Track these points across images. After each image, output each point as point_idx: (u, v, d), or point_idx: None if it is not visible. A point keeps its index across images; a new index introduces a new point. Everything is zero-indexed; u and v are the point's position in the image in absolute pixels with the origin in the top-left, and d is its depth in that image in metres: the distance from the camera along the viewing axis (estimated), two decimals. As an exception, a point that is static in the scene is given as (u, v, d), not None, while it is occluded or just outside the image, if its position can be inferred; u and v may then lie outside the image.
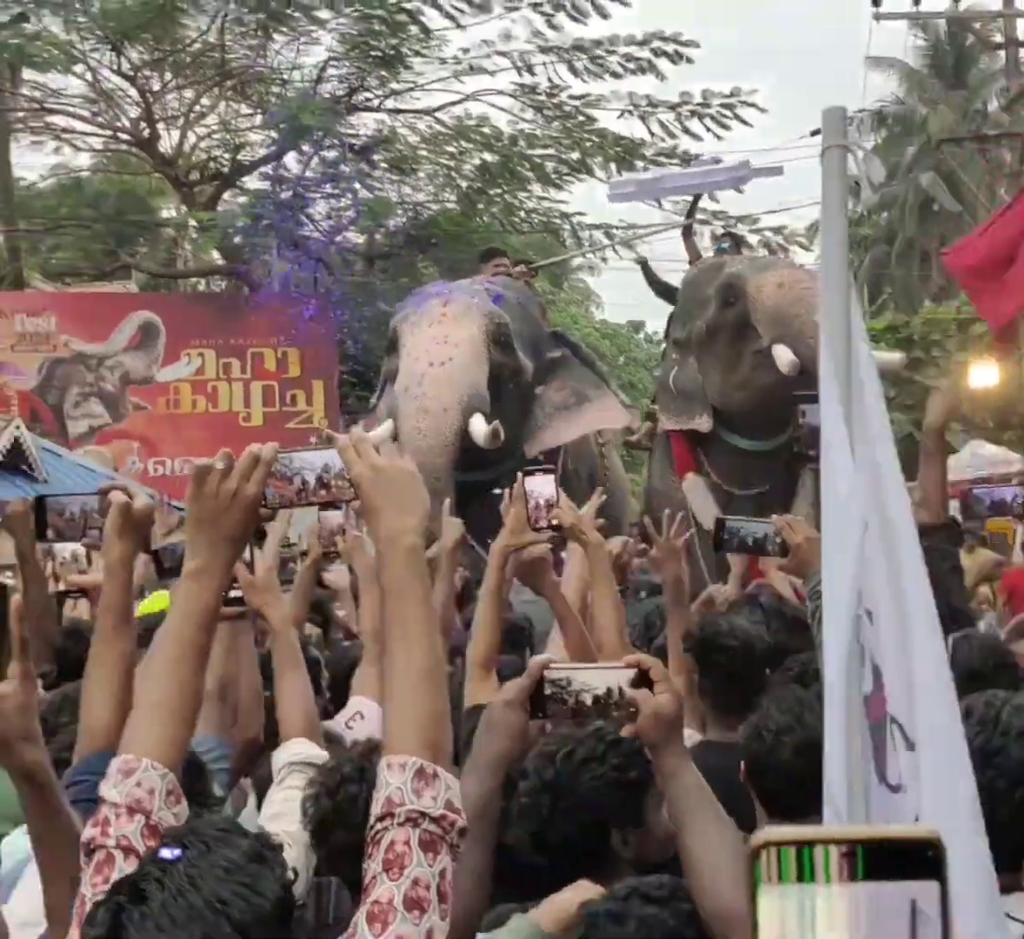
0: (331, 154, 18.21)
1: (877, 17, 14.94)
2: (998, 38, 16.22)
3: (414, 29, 17.07)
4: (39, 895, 1.87)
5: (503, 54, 18.06)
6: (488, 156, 18.83)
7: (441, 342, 7.99)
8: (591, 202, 19.67)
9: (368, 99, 18.46)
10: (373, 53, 17.81)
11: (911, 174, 33.60)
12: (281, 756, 2.60)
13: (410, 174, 19.01)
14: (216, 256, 22.29)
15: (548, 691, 1.99)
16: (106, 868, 1.58)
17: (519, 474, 3.23)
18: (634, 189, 10.78)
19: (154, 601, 5.64)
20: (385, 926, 1.48)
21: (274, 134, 18.05)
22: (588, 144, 17.61)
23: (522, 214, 20.11)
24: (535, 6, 17.56)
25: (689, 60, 16.82)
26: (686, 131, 16.91)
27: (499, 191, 19.35)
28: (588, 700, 1.98)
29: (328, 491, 1.89)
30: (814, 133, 17.85)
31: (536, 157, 17.91)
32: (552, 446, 8.55)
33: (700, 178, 10.56)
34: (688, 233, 10.63)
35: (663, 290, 9.86)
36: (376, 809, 1.58)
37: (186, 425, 18.02)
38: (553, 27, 17.66)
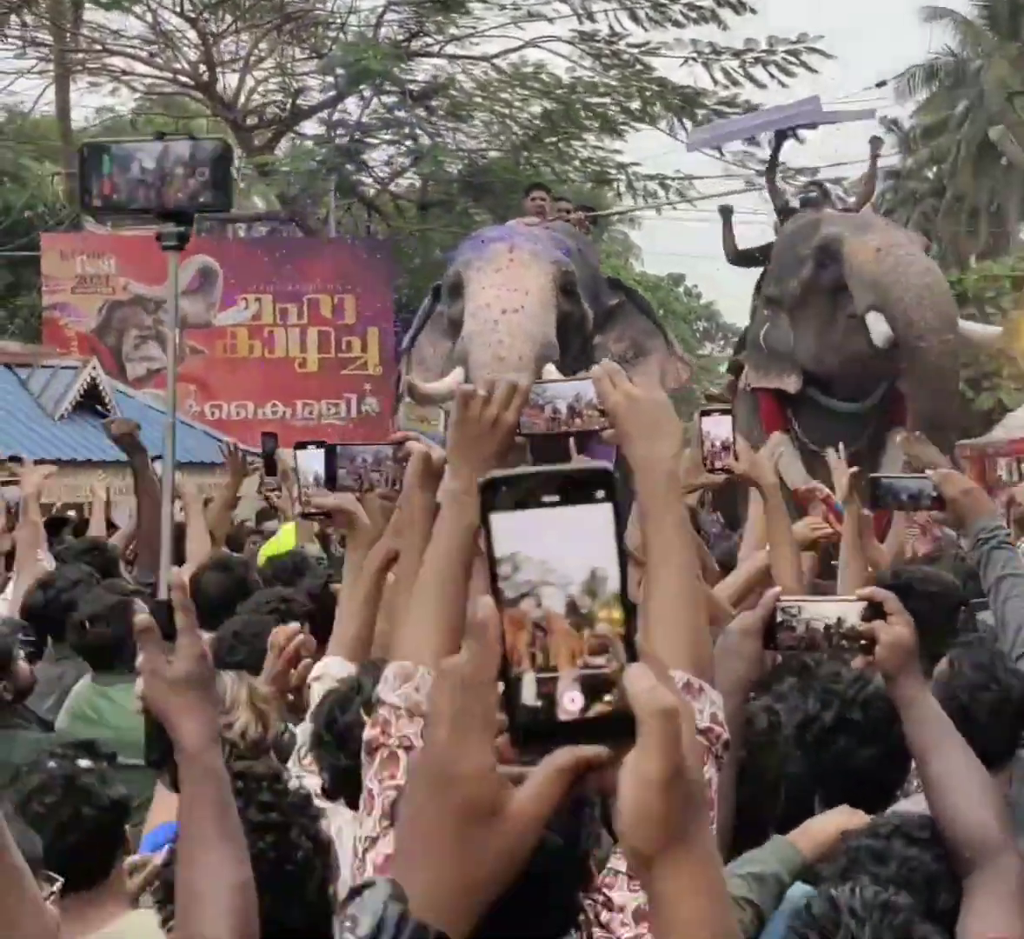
0: (390, 100, 18.25)
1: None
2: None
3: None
4: None
5: (563, 0, 17.97)
6: (546, 104, 18.77)
7: (512, 289, 7.86)
8: (645, 152, 19.62)
9: (427, 45, 18.40)
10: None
11: (963, 127, 33.21)
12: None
13: (467, 121, 18.96)
14: (258, 202, 22.41)
15: (779, 619, 2.13)
16: (391, 765, 1.67)
17: (695, 414, 3.18)
18: (710, 135, 10.71)
19: (282, 539, 5.84)
20: None
21: (333, 79, 18.07)
22: (648, 93, 17.50)
23: (577, 163, 20.05)
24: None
25: (753, 10, 16.68)
26: (750, 79, 16.77)
27: (554, 139, 19.29)
28: (819, 628, 2.10)
29: (579, 420, 1.93)
30: (880, 84, 17.74)
31: (597, 105, 17.81)
32: None
33: (778, 114, 10.38)
34: (772, 180, 10.55)
35: (738, 256, 9.85)
36: None
37: (242, 370, 18.18)
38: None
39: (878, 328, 7.54)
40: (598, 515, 0.82)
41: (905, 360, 7.50)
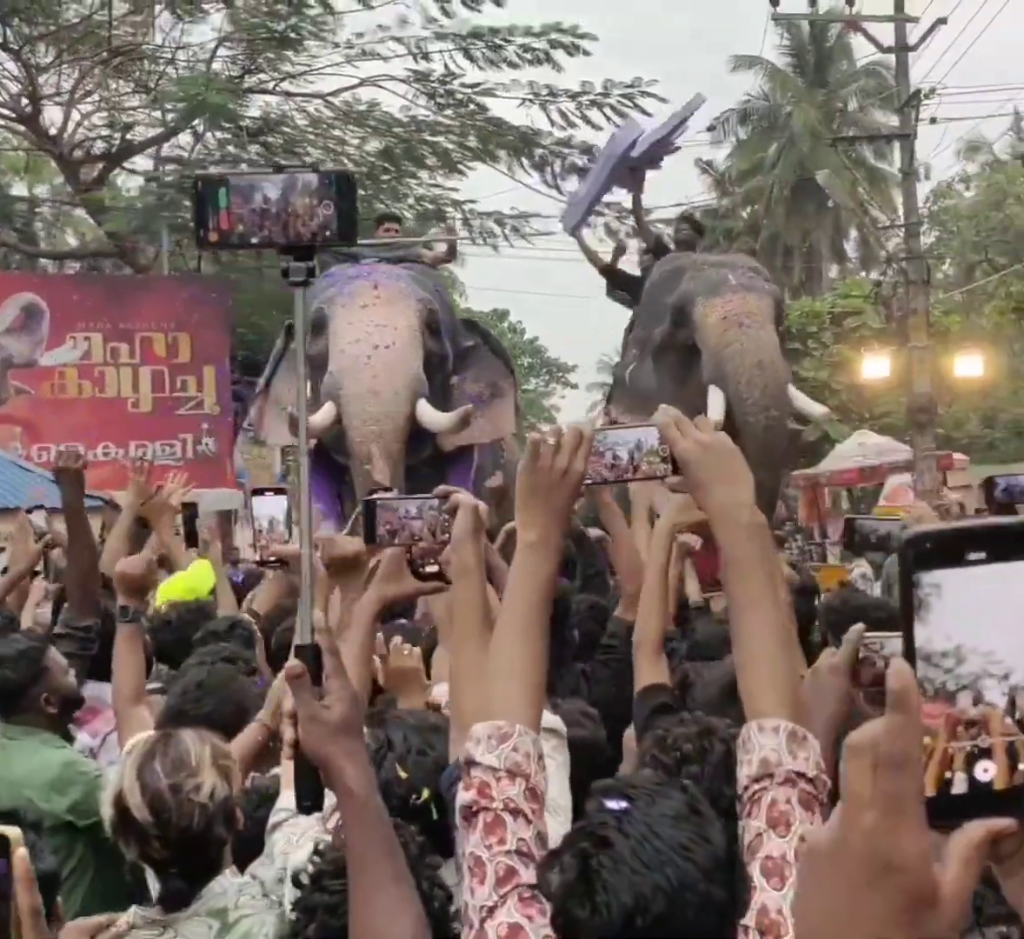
0: (223, 135, 18.01)
1: (776, 18, 15.36)
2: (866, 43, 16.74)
3: (311, 11, 16.88)
4: None
5: (398, 40, 18.04)
6: (385, 141, 18.78)
7: (380, 325, 7.84)
8: (481, 191, 19.81)
9: (261, 81, 18.23)
10: (265, 34, 17.60)
11: (775, 169, 34.53)
12: None
13: (302, 157, 18.80)
14: (70, 238, 21.72)
15: (862, 655, 2.17)
16: (498, 829, 1.64)
17: None
18: (583, 209, 10.75)
19: (173, 584, 5.59)
20: (783, 880, 1.56)
21: (162, 113, 17.73)
22: (485, 132, 17.70)
23: (411, 201, 20.09)
24: (430, -8, 17.57)
25: (586, 53, 17.04)
26: (586, 120, 17.11)
27: (388, 177, 19.31)
28: None
29: (642, 467, 1.90)
30: (710, 129, 18.31)
31: (435, 143, 17.91)
32: (465, 443, 8.50)
33: (614, 151, 10.31)
34: (640, 217, 10.68)
35: (613, 275, 9.94)
36: (751, 770, 1.65)
37: (72, 410, 17.57)
38: (447, 14, 17.69)
39: (714, 405, 7.72)
40: None
41: (734, 434, 7.67)
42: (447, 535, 2.34)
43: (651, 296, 8.91)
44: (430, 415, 7.76)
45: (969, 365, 18.80)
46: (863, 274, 34.23)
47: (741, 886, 1.56)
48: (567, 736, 2.56)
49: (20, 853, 1.37)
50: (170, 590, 5.28)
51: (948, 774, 0.77)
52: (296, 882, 2.08)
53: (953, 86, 25.08)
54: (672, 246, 9.80)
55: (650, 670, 3.10)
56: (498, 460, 9.49)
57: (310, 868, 2.04)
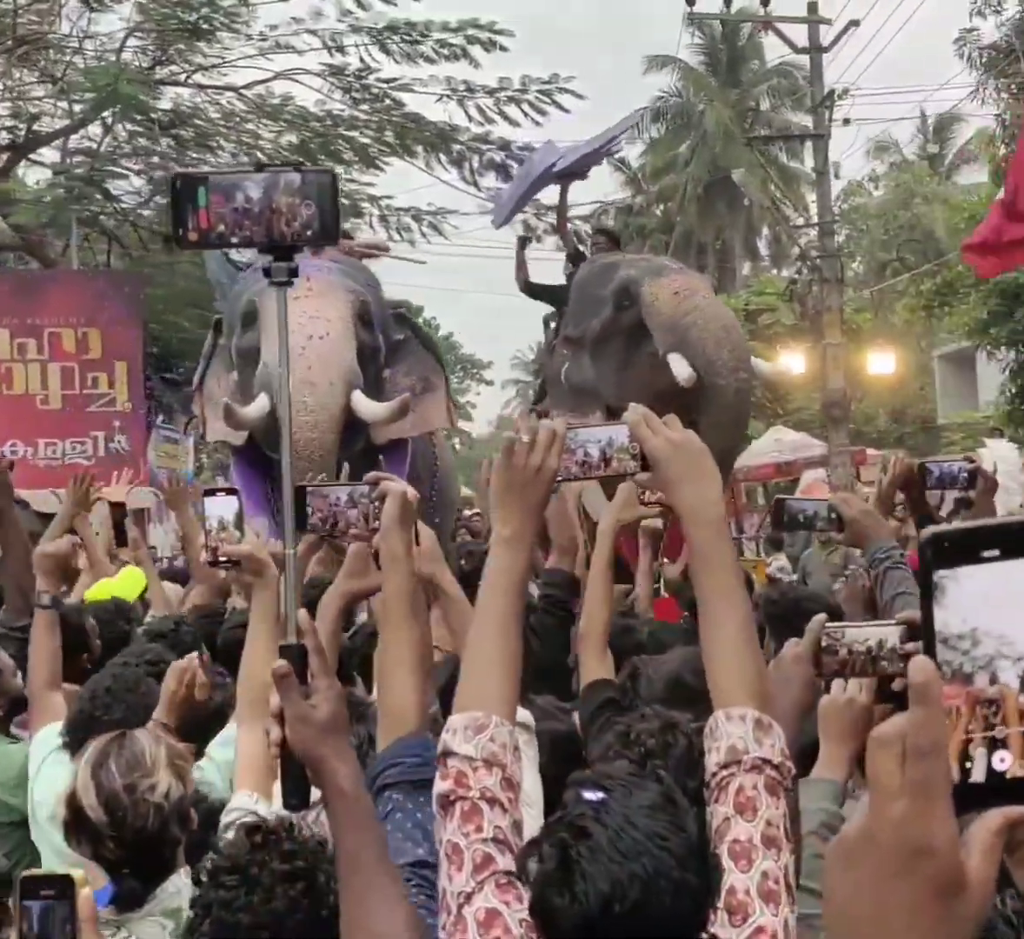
0: (134, 128, 17.66)
1: (691, 17, 15.45)
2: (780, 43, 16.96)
3: (224, 2, 16.60)
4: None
5: (312, 33, 17.83)
6: (301, 135, 18.56)
7: (313, 316, 7.74)
8: (398, 185, 19.68)
9: (173, 72, 17.91)
10: (176, 25, 17.29)
11: (689, 167, 34.82)
12: None
13: (215, 151, 18.53)
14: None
15: (824, 644, 2.21)
16: (475, 817, 1.67)
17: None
18: (511, 204, 10.73)
19: (99, 588, 5.46)
20: (750, 863, 1.64)
21: (69, 105, 17.34)
22: (402, 128, 17.57)
23: (326, 196, 19.89)
24: (344, -16, 17.37)
25: (503, 48, 16.97)
26: (504, 116, 17.04)
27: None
28: (862, 651, 2.19)
29: (611, 464, 1.94)
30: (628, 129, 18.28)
31: (354, 137, 17.74)
32: (397, 436, 8.48)
33: (538, 175, 10.40)
34: (563, 225, 10.70)
35: (527, 286, 9.94)
36: (718, 757, 1.72)
37: (-24, 408, 17.14)
38: (362, 6, 17.52)
39: (681, 369, 7.73)
40: None
41: (704, 397, 7.70)
42: (379, 522, 2.34)
43: (582, 293, 8.94)
44: (366, 406, 7.71)
45: (882, 362, 19.09)
46: (775, 272, 34.65)
47: (715, 874, 1.62)
48: (541, 729, 2.55)
49: (85, 893, 1.41)
50: (96, 595, 5.19)
51: (967, 763, 0.80)
52: (195, 880, 2.05)
53: (866, 87, 25.49)
54: (588, 252, 9.87)
55: (596, 665, 3.09)
56: (429, 455, 9.45)
57: (208, 864, 2.01)
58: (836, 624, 2.29)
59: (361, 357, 8.00)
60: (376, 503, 2.36)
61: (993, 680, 0.79)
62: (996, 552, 0.80)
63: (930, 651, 0.80)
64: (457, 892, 1.63)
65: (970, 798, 0.79)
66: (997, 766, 0.79)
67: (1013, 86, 15.20)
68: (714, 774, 1.72)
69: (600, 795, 1.61)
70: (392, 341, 8.77)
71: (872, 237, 33.14)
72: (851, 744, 2.27)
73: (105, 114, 16.75)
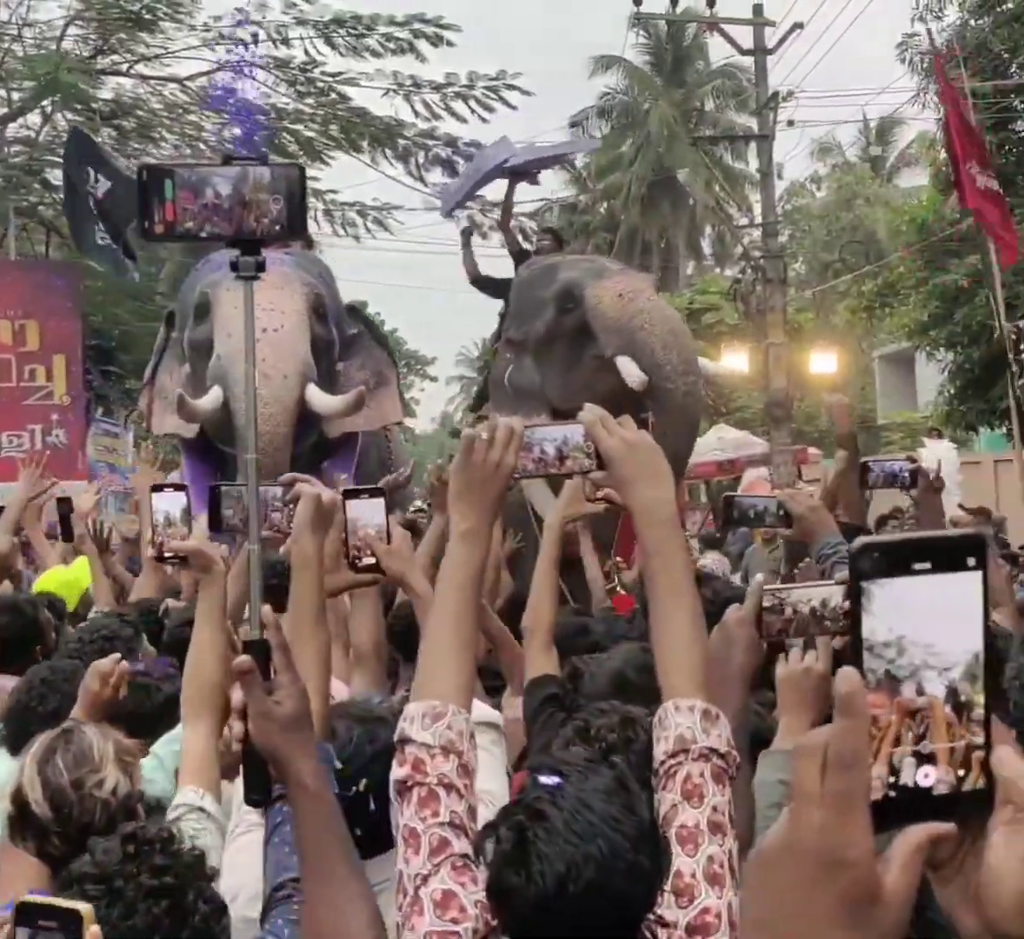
0: (74, 117, 17.41)
1: (637, 16, 15.48)
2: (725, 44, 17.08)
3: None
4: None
5: (257, 24, 17.68)
6: (237, 129, 18.40)
7: (267, 309, 7.67)
8: (344, 180, 19.57)
9: (115, 62, 17.68)
10: (118, 14, 17.08)
11: (633, 166, 34.93)
12: None
13: (157, 142, 18.34)
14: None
15: (767, 604, 2.26)
16: (432, 802, 1.71)
17: None
18: (461, 196, 10.69)
19: (47, 579, 5.38)
20: (697, 847, 1.70)
21: (7, 93, 17.09)
22: (348, 122, 17.48)
23: (270, 189, 19.73)
24: (290, -25, 17.26)
25: (450, 43, 16.94)
26: (451, 112, 17.01)
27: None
28: (805, 611, 2.24)
29: (567, 462, 1.98)
30: (574, 125, 18.33)
31: (300, 130, 17.63)
32: (351, 430, 8.44)
33: (487, 171, 10.39)
34: (507, 223, 10.65)
35: (477, 279, 9.91)
36: (667, 746, 1.79)
37: (-89, 399, 16.85)
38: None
39: (630, 371, 7.69)
40: (970, 585, 0.81)
41: (653, 401, 7.68)
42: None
43: (523, 295, 8.88)
44: (321, 399, 7.66)
45: (823, 362, 19.26)
46: (719, 271, 34.85)
47: (664, 857, 1.67)
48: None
49: (93, 930, 1.37)
50: (44, 585, 5.14)
51: (892, 778, 0.79)
52: (63, 883, 1.98)
53: (810, 90, 25.70)
54: (532, 251, 9.83)
55: (540, 660, 3.11)
56: (381, 449, 9.41)
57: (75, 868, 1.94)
58: (777, 586, 2.34)
59: (315, 350, 7.96)
60: (291, 505, 2.36)
61: (920, 690, 0.79)
62: (927, 565, 0.80)
63: (857, 659, 0.79)
64: (414, 874, 1.66)
65: (893, 813, 0.79)
66: (922, 781, 0.79)
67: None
68: (663, 762, 1.78)
69: (556, 779, 1.65)
70: (346, 335, 8.73)
71: (815, 238, 33.45)
72: (809, 714, 2.30)
73: (45, 103, 16.52)
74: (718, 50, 39.97)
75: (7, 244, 18.19)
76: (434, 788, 1.71)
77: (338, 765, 2.30)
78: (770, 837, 0.79)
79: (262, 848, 1.97)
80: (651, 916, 1.65)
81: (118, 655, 2.99)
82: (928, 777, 0.79)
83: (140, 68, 17.82)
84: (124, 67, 17.81)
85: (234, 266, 1.74)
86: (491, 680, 3.56)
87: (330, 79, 17.92)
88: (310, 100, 18.20)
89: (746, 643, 2.26)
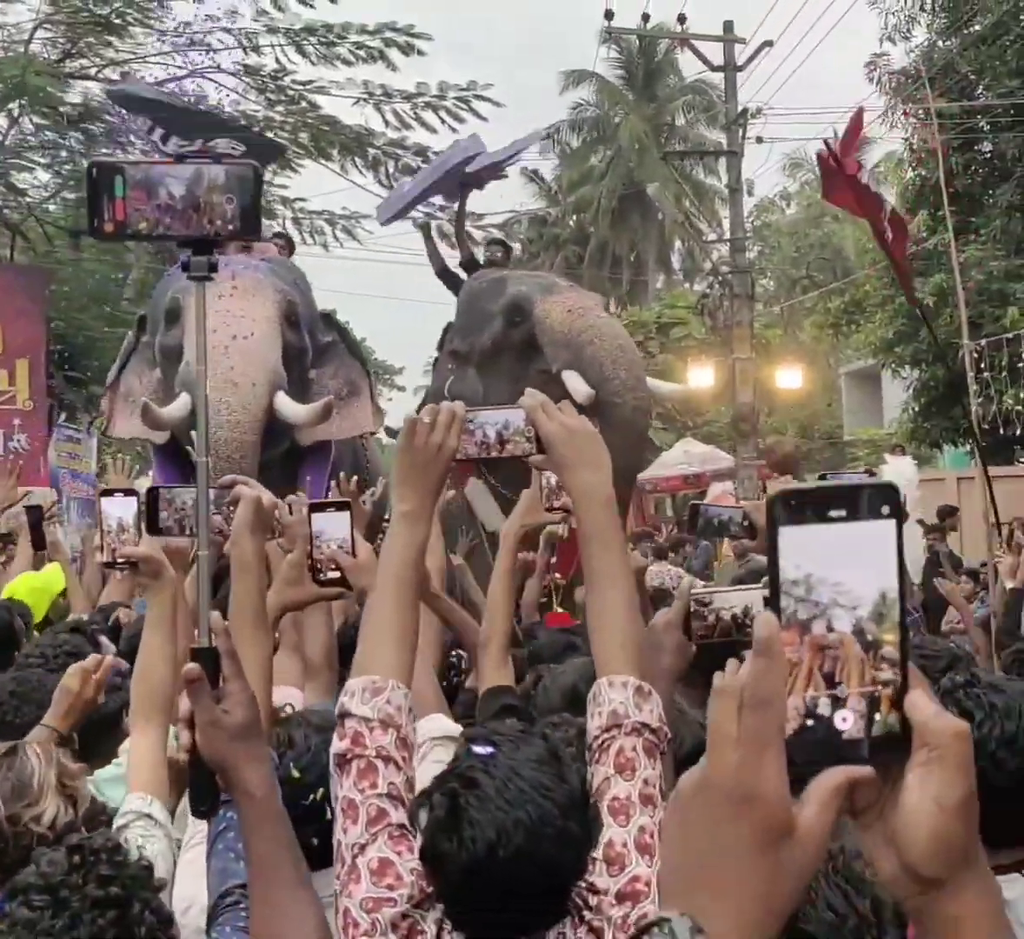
0: (40, 121, 17.31)
1: (609, 32, 15.51)
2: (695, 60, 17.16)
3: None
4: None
5: (228, 31, 17.65)
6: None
7: (238, 315, 7.63)
8: (312, 188, 19.51)
9: (84, 67, 17.58)
10: (87, 17, 16.99)
11: (604, 179, 35.04)
12: (422, 731, 2.55)
13: (126, 147, 18.22)
14: None
15: (692, 609, 2.29)
16: (371, 774, 1.75)
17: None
18: (402, 205, 10.62)
19: (17, 584, 5.32)
20: (628, 818, 1.76)
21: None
22: (318, 130, 17.45)
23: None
24: (261, -18, 17.24)
25: (421, 53, 16.94)
26: (421, 122, 17.00)
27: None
28: (727, 617, 2.28)
29: (508, 446, 2.01)
30: (546, 138, 18.32)
31: (270, 136, 17.58)
32: (324, 439, 8.40)
33: (448, 161, 10.29)
34: (460, 231, 10.60)
35: (443, 272, 9.86)
36: (600, 721, 1.83)
37: None
38: (279, 8, 17.38)
39: (577, 386, 7.65)
40: (884, 531, 0.82)
41: (600, 416, 7.64)
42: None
43: (469, 307, 8.85)
44: (289, 407, 7.62)
45: (789, 377, 19.33)
46: (688, 285, 34.98)
47: (594, 824, 1.72)
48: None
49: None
50: (13, 591, 5.09)
51: (809, 721, 0.80)
52: (9, 893, 1.93)
53: (778, 107, 25.83)
54: (482, 263, 9.79)
55: (495, 671, 3.08)
56: (358, 457, 9.35)
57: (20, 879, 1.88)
58: (704, 590, 2.38)
59: (286, 358, 7.92)
60: (230, 507, 2.34)
61: (829, 628, 0.80)
62: (842, 512, 0.81)
63: (775, 604, 0.80)
64: (352, 844, 1.70)
65: (807, 755, 0.80)
66: (839, 725, 0.80)
67: (921, 111, 15.49)
68: (596, 737, 1.83)
69: (489, 749, 1.69)
70: (319, 343, 8.70)
71: (783, 254, 33.63)
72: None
73: (11, 106, 16.40)
74: (690, 65, 40.17)
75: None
76: (373, 760, 1.75)
77: (296, 774, 2.28)
78: (687, 776, 0.81)
79: (205, 856, 1.94)
80: (582, 883, 1.70)
81: (99, 655, 2.96)
82: (846, 721, 0.80)
83: (108, 72, 17.71)
84: (92, 71, 17.71)
85: (185, 266, 1.72)
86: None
87: (301, 87, 17.90)
88: (280, 108, 18.17)
89: (672, 645, 2.29)
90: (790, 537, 0.80)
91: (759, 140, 17.06)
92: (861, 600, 0.80)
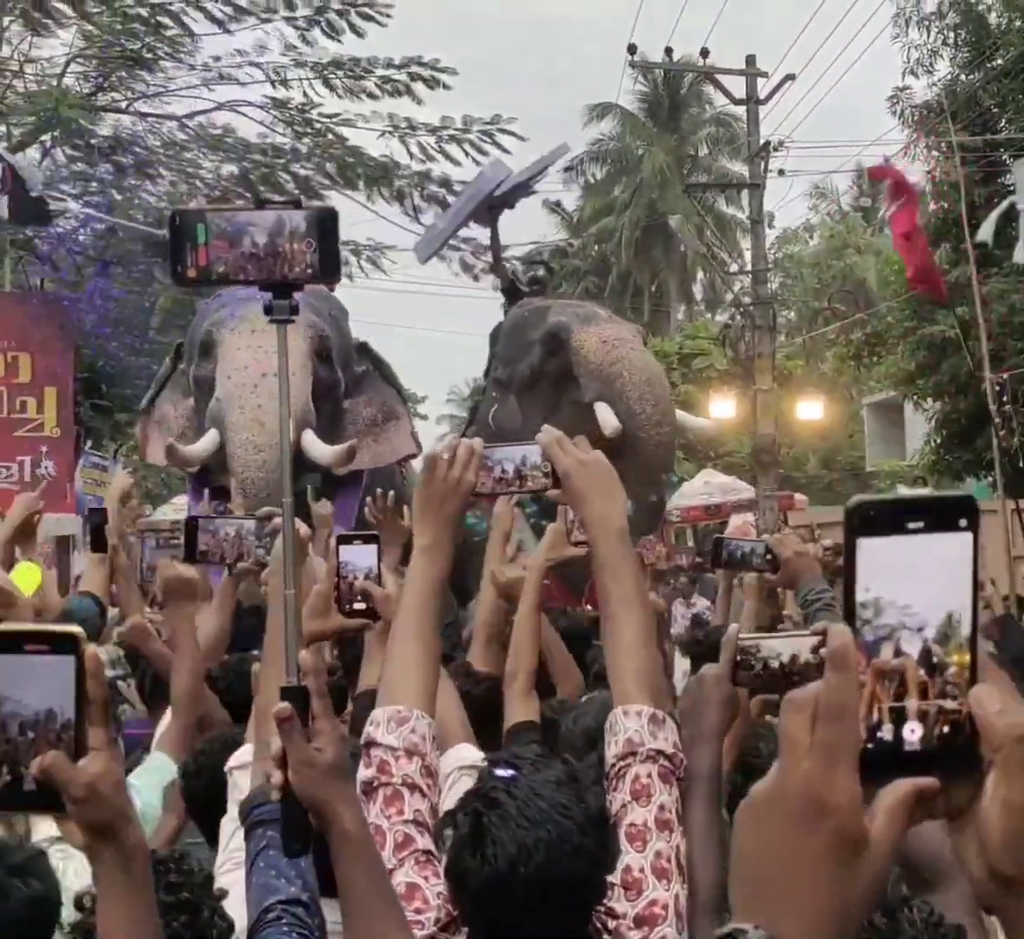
0: (72, 152, 17.53)
1: (633, 65, 15.69)
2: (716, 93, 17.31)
3: (169, 31, 16.61)
4: None
5: (256, 65, 17.87)
6: (233, 167, 18.56)
7: (270, 351, 7.71)
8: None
9: (115, 100, 17.84)
10: (118, 52, 17.24)
11: (627, 211, 35.21)
12: (448, 761, 2.60)
13: (155, 179, 18.45)
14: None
15: (738, 658, 2.28)
16: (397, 802, 1.81)
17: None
18: (439, 242, 10.73)
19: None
20: (645, 843, 1.81)
21: (7, 127, 17.18)
22: (344, 161, 17.64)
23: (266, 227, 19.83)
24: (289, 20, 17.46)
25: (446, 87, 17.10)
26: (445, 155, 17.15)
27: (242, 203, 19.05)
28: (775, 666, 2.25)
29: (525, 481, 2.07)
30: (568, 169, 18.49)
31: (298, 168, 17.79)
32: (358, 468, 8.45)
33: (476, 189, 10.42)
34: (497, 259, 10.72)
35: (510, 291, 9.93)
36: (617, 749, 1.88)
37: (-98, 429, 16.81)
38: (307, 42, 17.60)
39: (607, 418, 7.73)
40: (960, 544, 0.82)
41: (627, 449, 7.70)
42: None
43: (512, 336, 8.94)
44: (315, 447, 7.69)
45: (810, 409, 19.35)
46: (709, 316, 35.04)
47: (614, 845, 1.77)
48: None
49: (90, 650, 1.36)
50: None
51: (879, 733, 0.82)
52: (78, 905, 2.02)
53: (800, 140, 25.94)
54: (524, 287, 9.88)
55: (521, 706, 3.11)
56: (397, 485, 9.37)
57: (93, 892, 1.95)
58: (751, 637, 2.34)
59: (317, 393, 7.96)
60: (268, 538, 2.40)
61: (897, 651, 0.82)
62: (920, 524, 0.81)
63: (850, 617, 0.82)
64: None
65: (877, 766, 0.81)
66: (907, 737, 0.82)
67: (943, 144, 15.57)
68: (613, 765, 1.89)
69: (511, 772, 1.75)
70: (353, 373, 8.74)
71: (805, 285, 33.67)
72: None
73: (44, 138, 16.63)
74: (715, 97, 40.42)
75: (2, 276, 18.26)
76: (399, 788, 1.82)
77: None
78: (760, 786, 0.82)
79: (245, 873, 1.95)
80: (601, 907, 1.75)
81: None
82: (913, 733, 0.82)
83: (139, 105, 17.97)
84: (123, 104, 17.96)
85: (268, 309, 1.75)
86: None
87: (327, 120, 18.09)
88: (307, 140, 18.36)
89: (720, 699, 2.26)
90: (867, 549, 0.81)
91: (781, 172, 17.18)
92: (927, 622, 0.81)
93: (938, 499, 0.83)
